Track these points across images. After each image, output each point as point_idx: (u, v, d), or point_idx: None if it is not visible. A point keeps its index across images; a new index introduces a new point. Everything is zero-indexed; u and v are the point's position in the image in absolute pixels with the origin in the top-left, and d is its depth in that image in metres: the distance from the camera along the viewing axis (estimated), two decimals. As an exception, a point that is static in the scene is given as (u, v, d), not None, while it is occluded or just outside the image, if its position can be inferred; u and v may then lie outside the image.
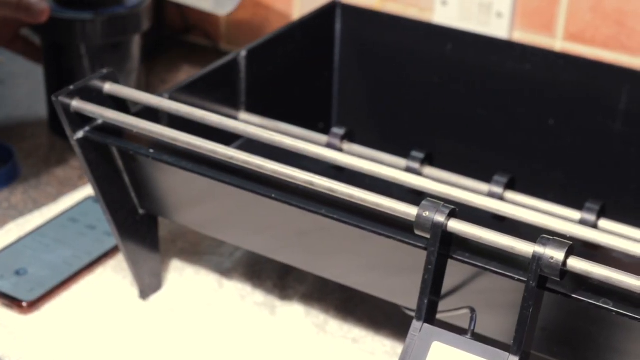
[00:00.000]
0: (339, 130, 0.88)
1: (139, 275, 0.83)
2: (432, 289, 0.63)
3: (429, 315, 0.64)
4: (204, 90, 0.86)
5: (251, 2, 1.22)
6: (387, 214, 0.65)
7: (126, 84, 1.04)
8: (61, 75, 1.04)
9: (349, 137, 0.88)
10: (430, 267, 0.63)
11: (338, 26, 0.99)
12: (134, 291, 0.85)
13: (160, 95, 0.81)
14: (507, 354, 0.61)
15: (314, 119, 1.00)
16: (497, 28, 1.06)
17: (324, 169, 0.75)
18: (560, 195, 0.91)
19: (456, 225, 0.62)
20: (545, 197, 0.85)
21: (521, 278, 0.61)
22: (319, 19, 0.98)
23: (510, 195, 0.83)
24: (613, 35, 1.01)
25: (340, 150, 0.87)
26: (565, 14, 1.02)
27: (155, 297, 0.84)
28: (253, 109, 0.92)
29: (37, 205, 0.95)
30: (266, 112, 0.92)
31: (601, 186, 0.91)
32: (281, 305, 0.84)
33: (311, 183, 0.67)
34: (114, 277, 0.86)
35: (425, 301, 0.63)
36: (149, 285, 0.84)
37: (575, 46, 1.03)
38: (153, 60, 1.23)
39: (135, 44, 1.05)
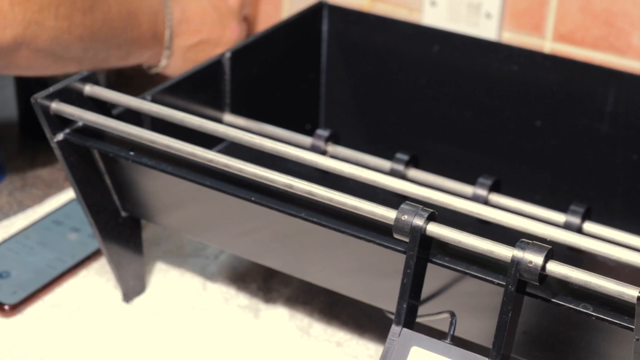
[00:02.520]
0: (323, 132, 0.87)
1: (122, 278, 0.82)
2: (412, 293, 0.63)
3: (408, 319, 0.63)
4: (188, 92, 0.85)
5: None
6: (367, 217, 0.65)
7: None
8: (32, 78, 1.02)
9: (334, 138, 0.87)
10: (409, 271, 0.62)
11: (325, 27, 0.99)
12: (118, 294, 0.84)
13: (142, 96, 0.81)
14: (487, 358, 0.60)
15: (301, 121, 0.99)
16: (486, 29, 1.05)
17: (310, 171, 0.74)
18: (548, 197, 0.91)
19: (435, 229, 0.61)
20: (532, 199, 0.85)
21: (500, 282, 0.61)
22: (305, 20, 0.97)
23: (495, 197, 0.83)
24: (602, 36, 1.00)
25: (324, 152, 0.86)
26: (555, 14, 1.02)
27: (138, 300, 0.84)
28: (238, 110, 0.91)
29: (22, 207, 0.95)
30: (252, 113, 0.92)
31: (589, 188, 0.90)
32: (265, 308, 0.83)
33: (290, 186, 0.66)
34: (98, 279, 0.86)
35: (404, 305, 0.62)
36: (132, 288, 0.84)
37: (564, 47, 1.03)
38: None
39: None
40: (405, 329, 0.62)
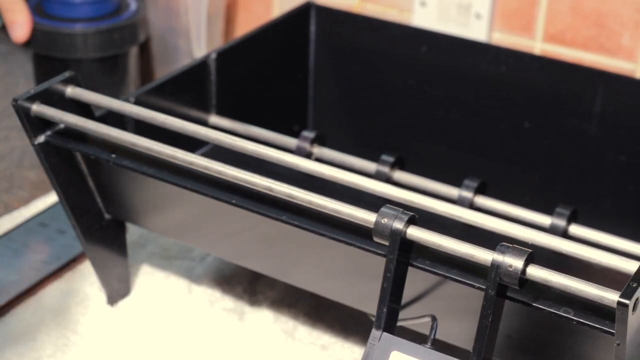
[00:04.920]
0: (309, 134, 0.86)
1: (107, 280, 0.82)
2: (392, 297, 0.62)
3: (389, 323, 0.63)
4: (173, 93, 0.85)
5: (230, 3, 1.21)
6: (348, 220, 0.64)
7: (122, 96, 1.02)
8: None
9: (320, 140, 0.87)
10: (389, 275, 0.61)
11: (312, 28, 0.98)
12: (103, 296, 0.83)
13: (125, 98, 0.80)
14: None
15: (289, 122, 0.98)
16: (476, 29, 1.04)
17: (297, 174, 0.73)
18: (537, 199, 0.90)
19: (415, 232, 0.61)
20: (521, 201, 0.84)
21: (480, 286, 0.60)
22: (293, 21, 0.96)
23: (481, 199, 0.82)
24: (593, 37, 0.99)
25: (309, 154, 0.86)
26: (545, 15, 1.01)
27: (123, 303, 0.83)
28: (225, 112, 0.91)
29: (8, 209, 0.94)
30: (239, 115, 0.91)
31: (578, 189, 0.90)
32: (250, 311, 0.83)
33: (270, 189, 0.66)
34: (83, 282, 0.85)
35: (385, 309, 0.62)
36: (116, 291, 0.83)
37: (555, 47, 1.02)
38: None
39: (132, 57, 1.03)
40: (385, 333, 0.62)
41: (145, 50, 1.23)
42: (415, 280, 0.64)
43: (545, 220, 0.80)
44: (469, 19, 1.04)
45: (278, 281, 0.85)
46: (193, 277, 0.86)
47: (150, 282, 0.86)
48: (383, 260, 0.63)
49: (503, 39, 1.04)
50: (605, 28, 0.99)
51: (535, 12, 1.02)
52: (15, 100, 0.71)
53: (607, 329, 0.57)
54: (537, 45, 1.03)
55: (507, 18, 1.03)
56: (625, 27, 0.97)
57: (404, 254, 0.62)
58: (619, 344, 0.57)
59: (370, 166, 0.85)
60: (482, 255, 0.59)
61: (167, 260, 0.88)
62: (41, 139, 0.73)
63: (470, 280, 0.61)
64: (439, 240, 0.60)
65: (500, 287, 0.59)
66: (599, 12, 0.98)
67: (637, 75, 0.97)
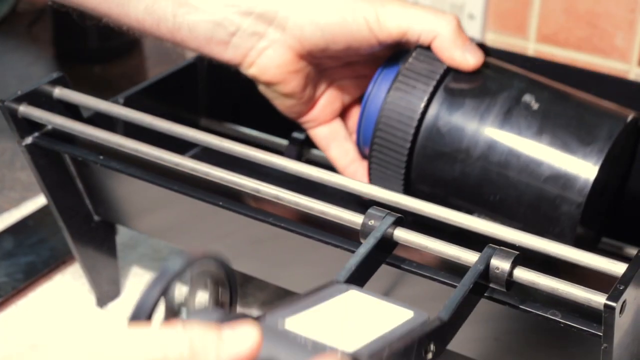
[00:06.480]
0: (299, 135, 0.86)
1: (96, 282, 0.82)
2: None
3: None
4: (163, 94, 0.85)
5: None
6: (336, 222, 0.64)
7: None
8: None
9: (310, 142, 0.86)
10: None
11: (305, 28, 0.97)
12: (93, 298, 0.83)
13: (114, 99, 0.80)
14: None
15: (281, 123, 0.98)
16: (470, 30, 1.04)
17: (287, 175, 0.73)
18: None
19: (402, 234, 0.60)
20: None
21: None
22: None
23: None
24: (586, 37, 0.99)
25: (300, 155, 0.85)
26: (538, 15, 1.01)
27: (112, 305, 0.83)
28: (216, 113, 0.90)
29: (-1, 210, 0.94)
30: (231, 116, 0.91)
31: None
32: (240, 313, 0.82)
33: (257, 190, 0.65)
34: (72, 283, 0.85)
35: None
36: (106, 293, 0.83)
37: (548, 48, 1.02)
38: (128, 60, 1.22)
39: None
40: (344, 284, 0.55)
41: (137, 50, 1.23)
42: (403, 281, 0.63)
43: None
44: (463, 19, 1.04)
45: (268, 283, 0.84)
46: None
47: (141, 283, 0.85)
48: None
49: (496, 39, 1.04)
50: (599, 29, 0.98)
51: (529, 12, 1.01)
52: (1, 101, 0.71)
53: (594, 331, 0.57)
54: (531, 46, 1.03)
55: (500, 18, 1.03)
56: (618, 27, 0.97)
57: (386, 255, 0.61)
58: (606, 347, 0.56)
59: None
60: (469, 257, 0.59)
61: (157, 262, 0.88)
62: (29, 140, 0.73)
63: (457, 282, 0.61)
64: (426, 241, 0.60)
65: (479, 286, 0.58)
66: (593, 12, 0.98)
67: (630, 76, 0.97)
